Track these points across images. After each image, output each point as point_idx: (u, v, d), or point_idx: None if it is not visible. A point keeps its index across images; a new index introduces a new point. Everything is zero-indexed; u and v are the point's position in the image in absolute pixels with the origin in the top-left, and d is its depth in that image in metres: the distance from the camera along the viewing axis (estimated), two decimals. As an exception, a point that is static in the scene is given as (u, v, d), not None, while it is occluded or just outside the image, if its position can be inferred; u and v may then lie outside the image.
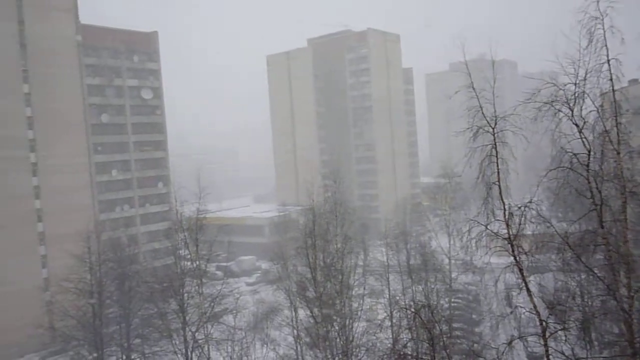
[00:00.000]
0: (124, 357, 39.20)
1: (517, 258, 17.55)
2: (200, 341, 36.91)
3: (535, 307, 17.42)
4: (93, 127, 73.95)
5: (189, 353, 36.86)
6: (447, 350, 20.08)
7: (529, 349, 36.72)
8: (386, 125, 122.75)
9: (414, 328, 21.51)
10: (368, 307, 39.42)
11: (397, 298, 43.81)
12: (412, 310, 21.70)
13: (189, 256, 38.58)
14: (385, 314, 40.72)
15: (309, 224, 36.89)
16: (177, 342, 37.70)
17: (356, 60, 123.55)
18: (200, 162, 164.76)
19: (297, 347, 38.72)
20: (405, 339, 24.98)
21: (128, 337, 39.39)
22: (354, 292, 38.37)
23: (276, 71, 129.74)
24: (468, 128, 18.17)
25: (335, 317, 35.26)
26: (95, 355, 37.77)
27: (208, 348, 37.00)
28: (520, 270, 17.63)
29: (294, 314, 39.95)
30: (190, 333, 37.11)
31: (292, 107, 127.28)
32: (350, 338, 34.77)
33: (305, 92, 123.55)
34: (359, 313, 37.48)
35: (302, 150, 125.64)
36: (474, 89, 18.10)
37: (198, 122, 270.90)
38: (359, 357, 34.50)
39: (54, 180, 65.81)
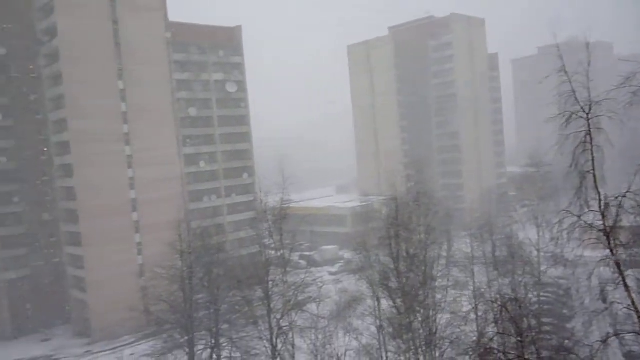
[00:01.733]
0: (213, 341, 40.74)
1: (614, 251, 16.58)
2: (284, 328, 37.71)
3: (633, 303, 16.40)
4: (182, 121, 77.08)
5: (274, 339, 37.75)
6: (536, 346, 19.37)
7: (626, 347, 34.70)
8: (470, 113, 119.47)
9: (500, 322, 20.89)
10: (452, 299, 38.66)
11: (482, 291, 42.69)
12: (499, 303, 21.08)
13: (273, 245, 39.42)
14: (470, 307, 39.80)
15: (392, 214, 36.61)
16: (263, 329, 38.71)
17: (439, 47, 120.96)
18: (283, 153, 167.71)
19: (379, 337, 38.69)
20: (491, 333, 24.33)
21: (217, 322, 40.87)
22: (437, 284, 37.77)
23: (357, 61, 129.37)
24: (560, 114, 17.27)
25: (418, 308, 34.89)
26: (186, 338, 39.50)
27: (292, 335, 37.77)
28: (617, 264, 16.65)
29: (376, 304, 39.90)
30: (275, 320, 37.99)
31: (374, 96, 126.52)
32: (434, 330, 34.30)
33: (387, 82, 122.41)
34: (443, 305, 36.87)
35: (383, 140, 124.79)
36: (566, 72, 17.15)
37: (279, 113, 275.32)
38: (442, 350, 34.01)
39: (147, 172, 69.26)
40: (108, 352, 58.76)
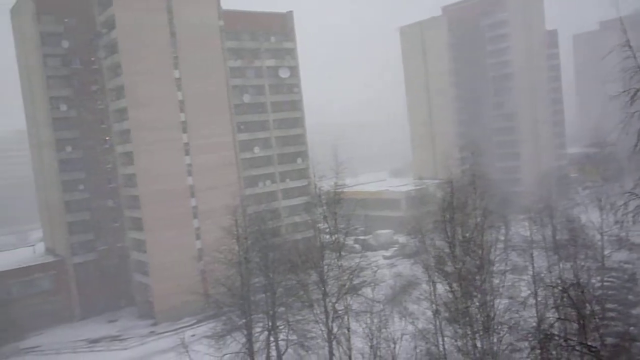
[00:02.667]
0: (270, 324, 41.49)
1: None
2: (340, 312, 38.00)
3: None
4: (236, 107, 78.17)
5: (330, 323, 38.12)
6: (600, 332, 18.77)
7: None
8: (528, 93, 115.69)
9: (561, 307, 20.35)
10: (510, 283, 37.89)
11: (542, 275, 41.60)
12: (560, 288, 20.52)
13: (327, 229, 39.63)
14: (529, 292, 38.92)
15: (447, 197, 36.13)
16: (318, 312, 39.12)
17: (494, 25, 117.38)
18: (337, 137, 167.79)
19: (435, 321, 38.43)
20: (551, 319, 23.74)
21: (273, 305, 41.56)
22: (494, 268, 37.08)
23: (410, 42, 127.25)
24: (624, 91, 16.49)
25: (475, 293, 34.41)
26: (244, 321, 40.39)
27: (348, 319, 38.02)
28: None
29: (432, 288, 39.61)
30: (330, 304, 38.32)
31: (427, 78, 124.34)
32: (492, 315, 33.77)
33: (441, 63, 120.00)
34: (501, 289, 36.19)
35: (438, 123, 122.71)
36: (630, 47, 16.34)
37: (332, 97, 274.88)
38: (500, 335, 33.46)
39: (203, 159, 70.81)
40: (171, 333, 60.85)
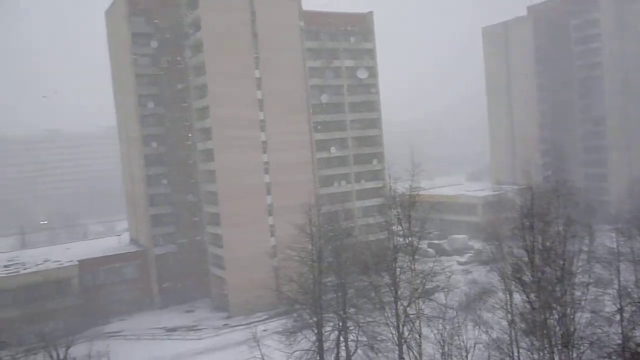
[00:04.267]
0: (340, 324, 41.55)
1: None
2: (411, 316, 37.47)
3: None
4: (314, 107, 78.93)
5: (401, 326, 37.68)
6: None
7: None
8: (619, 96, 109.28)
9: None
10: (593, 297, 36.04)
11: (629, 290, 39.25)
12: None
13: (401, 232, 39.18)
14: (614, 307, 36.85)
15: (527, 204, 34.89)
16: (389, 315, 38.75)
17: (584, 25, 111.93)
18: (413, 139, 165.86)
19: (511, 332, 37.18)
20: (639, 337, 22.38)
21: (344, 306, 41.57)
22: (576, 280, 35.41)
23: (492, 42, 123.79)
24: None
25: (554, 305, 33.02)
26: (315, 319, 40.67)
27: (419, 323, 37.44)
28: None
29: (508, 297, 38.35)
30: (402, 307, 37.87)
31: (509, 80, 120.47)
32: (572, 329, 32.29)
33: (524, 64, 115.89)
34: (582, 303, 34.52)
35: (519, 126, 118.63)
36: None
37: (409, 98, 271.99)
38: (581, 351, 31.94)
39: (280, 157, 71.98)
40: (243, 327, 62.30)
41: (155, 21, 75.47)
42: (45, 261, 73.02)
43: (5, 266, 72.15)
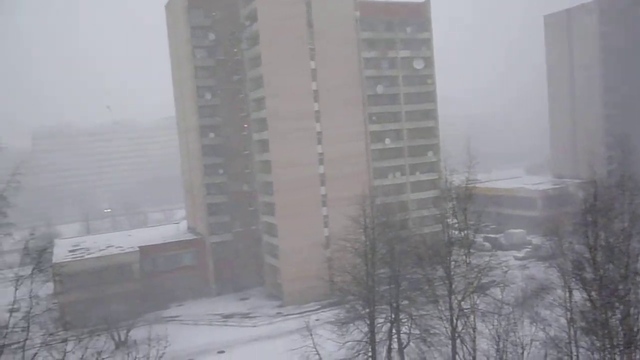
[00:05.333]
0: (393, 316, 41.41)
1: None
2: (466, 310, 36.94)
3: None
4: (369, 98, 78.44)
5: (454, 320, 37.20)
6: None
7: None
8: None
9: None
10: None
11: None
12: None
13: (456, 225, 38.62)
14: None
15: (590, 198, 33.63)
16: (443, 309, 38.33)
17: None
18: (470, 131, 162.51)
19: (570, 330, 36.06)
20: None
21: (397, 298, 41.39)
22: (641, 278, 33.89)
23: (555, 31, 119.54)
24: None
25: (617, 304, 31.76)
26: (367, 310, 40.69)
27: (474, 318, 36.86)
28: None
29: (567, 294, 37.16)
30: (456, 301, 37.37)
31: (572, 69, 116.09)
32: (635, 329, 30.99)
33: (589, 53, 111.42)
34: (647, 302, 33.01)
35: (582, 117, 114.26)
36: None
37: (466, 88, 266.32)
38: (645, 352, 30.63)
39: (335, 148, 72.02)
40: (296, 316, 63.06)
41: (213, 14, 76.82)
42: (108, 247, 76.10)
43: (71, 251, 75.64)
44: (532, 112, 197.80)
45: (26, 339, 21.12)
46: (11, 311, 21.24)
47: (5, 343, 20.99)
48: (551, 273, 40.49)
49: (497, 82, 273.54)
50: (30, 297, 21.30)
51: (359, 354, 40.04)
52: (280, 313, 67.01)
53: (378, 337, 40.79)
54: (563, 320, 37.24)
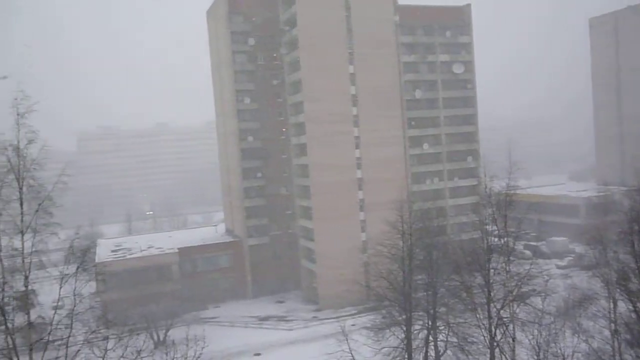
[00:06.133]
0: (430, 323, 40.93)
1: None
2: (505, 319, 36.21)
3: None
4: (407, 103, 78.01)
5: (493, 329, 36.52)
6: None
7: None
8: None
9: None
10: None
11: None
12: None
13: (496, 232, 37.94)
14: None
15: (636, 206, 32.61)
16: (481, 317, 37.66)
17: None
18: (511, 136, 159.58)
19: (614, 342, 34.95)
20: None
21: (434, 305, 40.87)
22: (691, 291, 32.58)
23: (600, 34, 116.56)
24: None
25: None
26: (404, 317, 40.31)
27: (513, 327, 36.10)
28: None
29: (611, 305, 36.06)
30: (495, 310, 36.68)
31: (619, 73, 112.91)
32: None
33: (637, 56, 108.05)
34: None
35: (630, 122, 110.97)
36: None
37: (509, 93, 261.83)
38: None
39: (373, 153, 71.83)
40: (332, 320, 62.91)
41: (253, 19, 77.74)
42: (149, 248, 77.69)
43: (113, 251, 77.52)
44: (576, 117, 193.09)
45: (69, 336, 21.72)
46: (55, 308, 21.87)
47: (50, 339, 21.64)
48: (595, 283, 39.40)
49: (539, 86, 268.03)
50: (73, 295, 21.91)
51: (395, 360, 39.70)
52: (316, 317, 67.06)
53: (414, 344, 40.36)
54: (607, 332, 36.16)
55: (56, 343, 21.84)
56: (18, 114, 20.87)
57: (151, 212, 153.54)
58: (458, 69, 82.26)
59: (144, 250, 76.33)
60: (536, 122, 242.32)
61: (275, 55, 78.06)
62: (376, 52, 72.69)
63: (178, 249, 74.63)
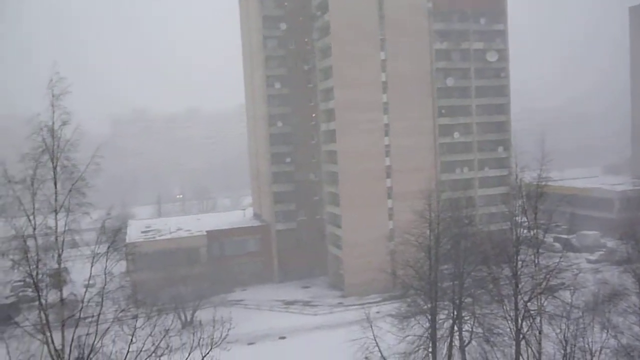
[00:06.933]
0: (455, 313, 40.76)
1: None
2: (532, 312, 35.81)
3: None
4: (438, 91, 77.10)
5: (520, 321, 36.18)
6: None
7: None
8: None
9: None
10: None
11: None
12: None
13: (525, 224, 37.43)
14: None
15: (672, 202, 31.70)
16: (508, 309, 37.34)
17: None
18: (545, 127, 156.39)
19: (644, 339, 34.28)
20: None
21: (460, 295, 40.67)
22: None
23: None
24: None
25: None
26: (429, 306, 40.22)
27: (540, 320, 35.69)
28: None
29: (643, 301, 35.33)
30: (522, 302, 36.31)
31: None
32: None
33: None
34: None
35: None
36: None
37: (544, 83, 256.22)
38: None
39: (402, 141, 71.36)
40: (357, 307, 63.07)
41: (285, 4, 77.61)
42: (178, 230, 78.88)
43: (143, 232, 78.96)
44: (615, 112, 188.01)
45: (99, 314, 22.29)
46: (87, 286, 22.44)
47: (81, 316, 22.23)
48: (626, 278, 38.64)
49: (573, 75, 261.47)
50: (104, 274, 22.41)
51: (419, 349, 39.66)
52: (341, 303, 67.38)
53: (439, 333, 40.27)
54: (637, 329, 35.49)
55: (87, 320, 22.42)
56: (53, 96, 21.28)
57: (181, 196, 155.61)
58: (492, 57, 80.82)
59: (173, 232, 77.57)
60: (574, 115, 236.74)
61: (306, 40, 77.88)
62: (408, 40, 71.89)
63: (206, 232, 75.60)
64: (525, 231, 37.79)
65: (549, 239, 58.24)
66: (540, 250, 36.49)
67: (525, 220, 37.25)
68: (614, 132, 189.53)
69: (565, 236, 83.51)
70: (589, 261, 74.78)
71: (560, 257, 37.50)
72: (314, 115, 78.45)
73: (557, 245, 74.39)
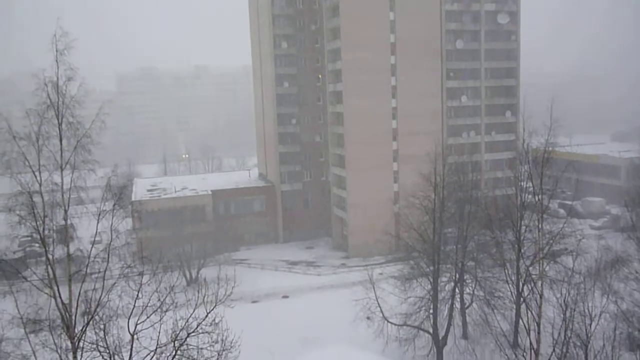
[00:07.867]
0: (457, 276, 41.16)
1: None
2: (533, 276, 36.11)
3: None
4: (447, 53, 75.98)
5: (521, 285, 36.55)
6: None
7: None
8: None
9: None
10: None
11: None
12: None
13: (531, 189, 37.37)
14: None
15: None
16: (510, 272, 37.66)
17: None
18: (556, 93, 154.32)
19: (644, 305, 34.59)
20: None
21: (463, 258, 41.01)
22: None
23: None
24: None
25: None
26: (431, 268, 40.60)
27: (541, 284, 35.98)
28: None
29: (645, 268, 35.51)
30: (524, 266, 36.61)
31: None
32: None
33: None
34: None
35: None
36: None
37: (553, 46, 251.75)
38: None
39: (409, 104, 70.71)
40: (360, 268, 63.65)
41: (294, -39, 75.89)
42: (184, 189, 79.26)
43: (149, 190, 79.41)
44: (625, 76, 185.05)
45: (106, 270, 22.60)
46: (93, 243, 22.68)
47: (87, 271, 22.55)
48: (629, 245, 38.77)
49: (590, 39, 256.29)
50: (110, 231, 22.62)
51: (421, 310, 40.26)
52: (344, 264, 68.09)
53: (441, 295, 40.78)
54: (637, 295, 35.79)
55: (93, 275, 22.75)
56: (57, 51, 21.03)
57: (187, 155, 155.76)
58: (503, 19, 79.23)
59: (178, 191, 77.94)
60: (584, 79, 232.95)
61: (315, -1, 76.49)
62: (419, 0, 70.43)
63: (212, 191, 75.95)
64: (530, 196, 37.78)
65: (554, 204, 58.26)
66: (545, 216, 36.52)
67: (531, 185, 37.16)
68: (623, 98, 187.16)
69: (570, 202, 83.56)
70: (593, 227, 74.98)
71: (564, 223, 37.59)
72: (320, 75, 77.67)
73: (562, 211, 74.47)
